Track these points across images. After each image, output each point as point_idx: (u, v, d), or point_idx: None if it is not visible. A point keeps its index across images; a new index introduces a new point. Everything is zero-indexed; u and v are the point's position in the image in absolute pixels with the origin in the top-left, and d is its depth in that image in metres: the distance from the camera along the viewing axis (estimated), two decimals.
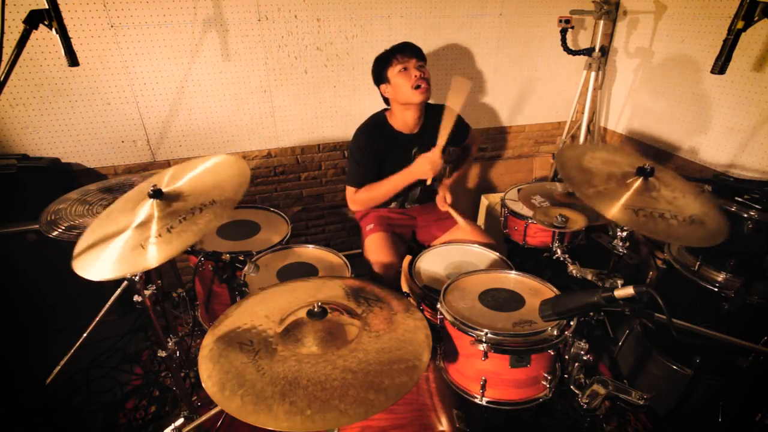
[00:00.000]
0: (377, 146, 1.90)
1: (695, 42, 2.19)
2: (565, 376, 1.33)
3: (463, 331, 1.32)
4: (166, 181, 1.24)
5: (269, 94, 2.34)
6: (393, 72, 1.82)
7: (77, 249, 1.11)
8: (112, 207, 1.24)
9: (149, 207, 1.14)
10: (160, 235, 1.07)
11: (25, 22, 1.08)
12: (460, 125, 2.08)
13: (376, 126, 1.94)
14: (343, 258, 1.77)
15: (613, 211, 1.21)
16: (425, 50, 1.92)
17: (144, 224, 1.11)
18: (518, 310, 1.40)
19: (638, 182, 1.28)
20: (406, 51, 1.83)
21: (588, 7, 2.44)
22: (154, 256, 1.02)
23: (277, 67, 2.29)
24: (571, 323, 1.31)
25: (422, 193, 2.12)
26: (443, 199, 1.96)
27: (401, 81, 1.81)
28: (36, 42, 1.92)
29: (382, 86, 1.90)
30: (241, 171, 1.23)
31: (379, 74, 1.88)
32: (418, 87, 1.80)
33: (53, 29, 1.12)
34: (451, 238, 1.99)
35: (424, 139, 1.91)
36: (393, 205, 2.11)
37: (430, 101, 1.91)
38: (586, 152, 1.43)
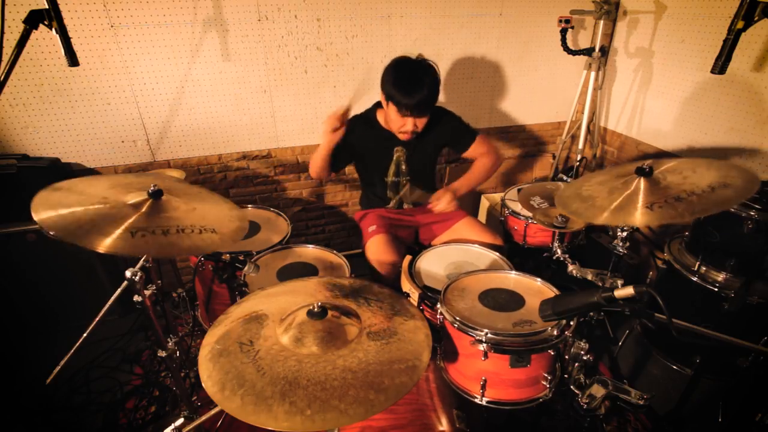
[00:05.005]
0: (356, 137, 1.93)
1: (695, 42, 2.19)
2: (565, 376, 1.34)
3: (463, 332, 1.32)
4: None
5: (269, 94, 2.34)
6: (391, 107, 1.79)
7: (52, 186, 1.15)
8: (101, 180, 1.26)
9: (144, 202, 1.14)
10: (147, 233, 1.06)
11: (25, 22, 1.08)
12: (460, 128, 2.02)
13: (364, 119, 1.98)
14: (343, 258, 1.77)
15: (637, 217, 1.18)
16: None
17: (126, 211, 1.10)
18: (518, 310, 1.40)
19: (643, 183, 1.26)
20: (413, 111, 1.76)
21: (588, 7, 2.43)
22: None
23: (277, 67, 2.29)
24: (571, 323, 1.32)
25: (419, 198, 2.08)
26: (436, 199, 1.90)
27: (393, 118, 1.82)
28: (36, 42, 1.92)
29: (382, 94, 1.84)
30: (241, 216, 1.26)
31: (383, 87, 1.81)
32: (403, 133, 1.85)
33: (53, 29, 1.12)
34: (453, 237, 1.99)
35: (410, 140, 1.90)
36: (391, 204, 2.11)
37: None
38: (582, 185, 1.41)
